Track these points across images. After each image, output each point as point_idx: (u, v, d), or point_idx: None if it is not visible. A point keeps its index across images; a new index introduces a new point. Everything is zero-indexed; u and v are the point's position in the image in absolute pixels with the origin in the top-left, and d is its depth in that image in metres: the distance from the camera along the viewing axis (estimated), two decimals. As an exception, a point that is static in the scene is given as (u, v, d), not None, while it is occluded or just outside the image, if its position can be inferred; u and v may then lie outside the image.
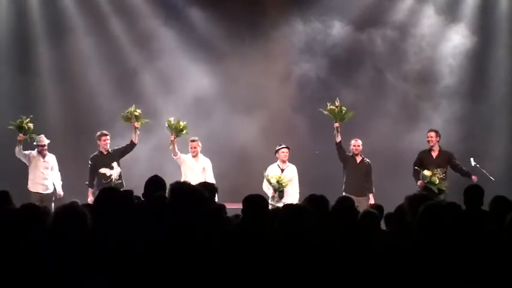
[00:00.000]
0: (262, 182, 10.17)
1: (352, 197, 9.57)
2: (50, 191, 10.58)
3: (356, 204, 5.29)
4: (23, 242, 3.96)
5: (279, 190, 9.95)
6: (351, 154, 10.29)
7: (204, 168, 10.40)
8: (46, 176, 10.53)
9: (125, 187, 9.62)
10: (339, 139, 10.19)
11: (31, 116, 10.39)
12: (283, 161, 10.26)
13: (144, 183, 5.36)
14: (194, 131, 11.00)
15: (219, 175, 10.49)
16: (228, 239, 4.26)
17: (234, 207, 6.96)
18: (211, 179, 10.11)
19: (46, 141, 10.49)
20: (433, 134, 10.13)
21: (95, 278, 3.65)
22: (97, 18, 12.09)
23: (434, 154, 10.11)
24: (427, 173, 9.79)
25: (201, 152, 10.49)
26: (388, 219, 6.07)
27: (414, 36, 11.91)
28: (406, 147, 11.08)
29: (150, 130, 11.24)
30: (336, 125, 10.14)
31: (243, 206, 4.99)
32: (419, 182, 9.89)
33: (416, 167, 10.06)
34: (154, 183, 5.18)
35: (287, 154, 10.24)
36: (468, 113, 11.73)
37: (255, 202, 4.89)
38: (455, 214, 4.31)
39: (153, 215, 4.24)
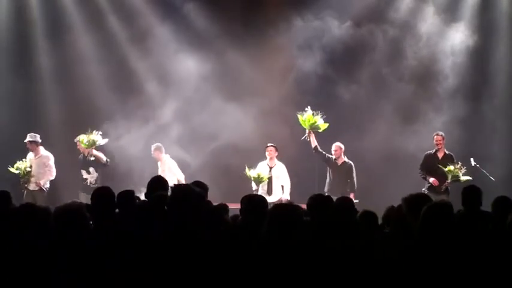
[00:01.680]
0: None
1: (333, 197, 9.74)
2: (43, 187, 10.62)
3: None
4: (23, 242, 3.94)
5: (260, 183, 10.29)
6: (333, 158, 10.50)
7: (165, 170, 10.53)
8: (37, 174, 10.58)
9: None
10: (313, 144, 10.48)
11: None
12: (270, 159, 10.56)
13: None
14: (192, 127, 11.28)
15: (215, 174, 10.59)
16: (228, 240, 4.24)
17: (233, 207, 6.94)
18: (180, 176, 10.53)
19: (29, 138, 10.54)
20: (440, 137, 10.42)
21: (95, 277, 3.64)
22: (96, 16, 12.08)
23: (440, 155, 10.38)
24: (450, 167, 9.97)
25: (166, 153, 10.72)
26: (388, 219, 6.04)
27: (414, 35, 11.87)
28: (406, 147, 11.06)
29: (149, 125, 11.27)
30: (307, 132, 10.40)
31: (242, 205, 4.96)
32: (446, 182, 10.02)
33: (439, 166, 10.11)
34: (157, 183, 5.18)
35: (271, 152, 10.58)
36: (469, 112, 11.68)
37: (255, 202, 4.87)
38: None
39: (155, 214, 4.24)
